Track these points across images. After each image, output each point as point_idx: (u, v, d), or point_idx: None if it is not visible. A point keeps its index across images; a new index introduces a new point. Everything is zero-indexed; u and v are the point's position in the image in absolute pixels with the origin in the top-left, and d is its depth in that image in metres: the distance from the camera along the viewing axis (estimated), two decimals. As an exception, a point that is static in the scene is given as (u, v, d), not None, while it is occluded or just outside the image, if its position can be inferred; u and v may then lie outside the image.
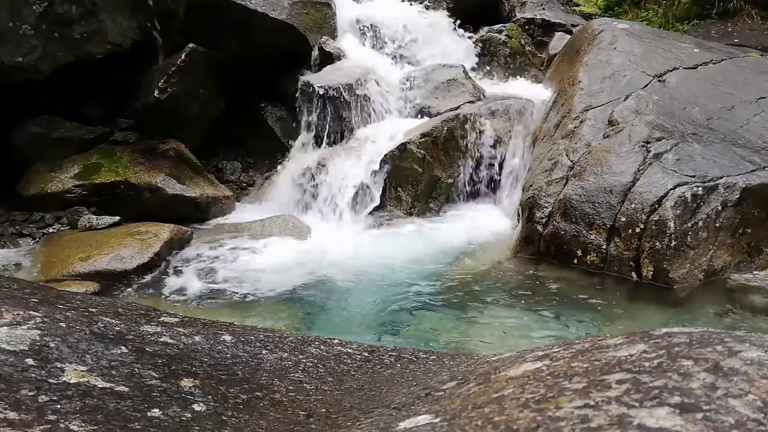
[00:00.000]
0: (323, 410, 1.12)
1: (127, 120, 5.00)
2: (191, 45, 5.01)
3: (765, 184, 3.89)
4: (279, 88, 5.46)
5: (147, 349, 1.24)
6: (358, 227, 4.72)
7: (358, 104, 5.23)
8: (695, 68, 5.00)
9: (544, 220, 4.15)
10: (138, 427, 0.95)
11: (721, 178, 3.87)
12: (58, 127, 4.77)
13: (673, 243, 3.71)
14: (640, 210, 3.80)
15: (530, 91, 5.82)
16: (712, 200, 3.80)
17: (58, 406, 0.95)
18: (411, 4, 6.56)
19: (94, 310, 1.40)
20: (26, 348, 1.09)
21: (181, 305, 3.59)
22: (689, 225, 3.74)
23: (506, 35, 6.57)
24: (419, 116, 5.37)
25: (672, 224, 3.71)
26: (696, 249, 3.74)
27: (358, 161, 4.99)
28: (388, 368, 1.37)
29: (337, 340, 1.55)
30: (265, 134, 5.48)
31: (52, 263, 3.93)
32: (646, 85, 4.71)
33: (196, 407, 1.05)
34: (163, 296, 3.71)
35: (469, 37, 6.44)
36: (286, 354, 1.37)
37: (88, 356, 1.13)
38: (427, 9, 6.52)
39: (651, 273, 3.73)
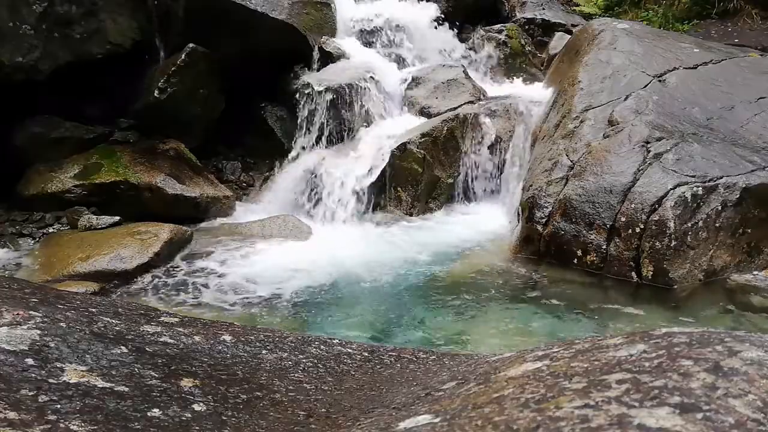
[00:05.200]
0: (323, 410, 1.12)
1: (127, 120, 4.99)
2: (191, 45, 5.01)
3: (765, 184, 3.89)
4: (279, 88, 5.46)
5: (147, 349, 1.24)
6: (358, 227, 4.72)
7: (358, 104, 5.23)
8: (695, 68, 4.99)
9: (544, 220, 4.15)
10: (138, 427, 0.95)
11: (721, 178, 3.87)
12: (58, 127, 4.76)
13: (673, 243, 3.71)
14: (640, 210, 3.80)
15: (530, 91, 5.82)
16: (712, 200, 3.80)
17: (58, 406, 0.95)
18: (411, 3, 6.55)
19: (94, 310, 1.40)
20: (26, 348, 1.09)
21: (181, 305, 3.59)
22: (689, 225, 3.74)
23: (506, 35, 6.58)
24: (419, 116, 5.37)
25: (672, 224, 3.71)
26: (696, 249, 3.74)
27: (358, 161, 4.99)
28: (388, 368, 1.37)
29: (337, 340, 1.55)
30: (265, 134, 5.48)
31: (52, 263, 3.93)
32: (646, 85, 4.71)
33: (196, 407, 1.05)
34: (163, 296, 3.71)
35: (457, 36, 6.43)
36: (286, 354, 1.37)
37: (88, 356, 1.13)
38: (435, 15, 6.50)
39: (651, 273, 3.73)
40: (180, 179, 4.80)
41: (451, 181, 5.07)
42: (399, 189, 4.91)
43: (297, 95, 5.21)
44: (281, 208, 4.93)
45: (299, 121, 5.23)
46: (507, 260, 4.20)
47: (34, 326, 1.17)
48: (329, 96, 5.13)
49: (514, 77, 6.34)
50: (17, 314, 1.20)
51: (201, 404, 1.06)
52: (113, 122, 4.98)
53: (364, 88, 5.25)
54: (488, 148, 5.12)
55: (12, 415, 0.89)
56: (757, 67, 5.13)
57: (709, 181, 3.86)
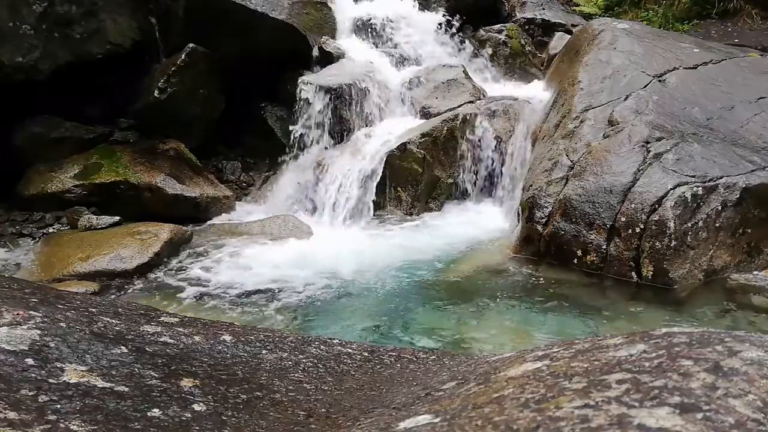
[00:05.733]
0: (323, 410, 1.12)
1: (127, 120, 5.00)
2: (191, 45, 5.01)
3: (765, 184, 3.88)
4: (279, 88, 5.46)
5: (147, 349, 1.24)
6: (358, 227, 4.72)
7: (358, 104, 5.23)
8: (695, 68, 4.99)
9: (544, 220, 4.14)
10: (138, 427, 0.95)
11: (721, 178, 3.87)
12: (58, 127, 4.77)
13: (673, 243, 3.71)
14: (640, 210, 3.80)
15: (530, 91, 5.82)
16: (712, 200, 3.79)
17: (58, 406, 0.95)
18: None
19: (94, 310, 1.40)
20: (26, 348, 1.09)
21: (181, 305, 3.59)
22: (689, 225, 3.74)
23: (506, 35, 6.58)
24: (419, 116, 5.37)
25: (672, 224, 3.71)
26: (696, 249, 3.74)
27: (358, 161, 4.99)
28: (388, 368, 1.37)
29: (337, 340, 1.55)
30: (265, 134, 5.48)
31: (52, 263, 3.93)
32: (646, 85, 4.71)
33: (196, 407, 1.05)
34: (163, 296, 3.71)
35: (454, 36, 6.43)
36: (286, 354, 1.37)
37: (88, 356, 1.13)
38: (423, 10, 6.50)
39: (651, 273, 3.73)
40: (180, 179, 4.80)
41: (451, 180, 5.07)
42: (399, 189, 4.91)
43: (297, 95, 5.21)
44: (281, 208, 4.93)
45: (299, 121, 5.23)
46: (507, 260, 4.20)
47: (34, 326, 1.17)
48: (329, 96, 5.13)
49: (514, 77, 6.34)
50: (17, 314, 1.20)
51: (201, 404, 1.06)
52: (113, 122, 4.98)
53: (364, 88, 5.25)
54: (488, 147, 5.12)
55: (12, 415, 0.89)
56: (757, 67, 5.13)
57: (709, 181, 3.86)
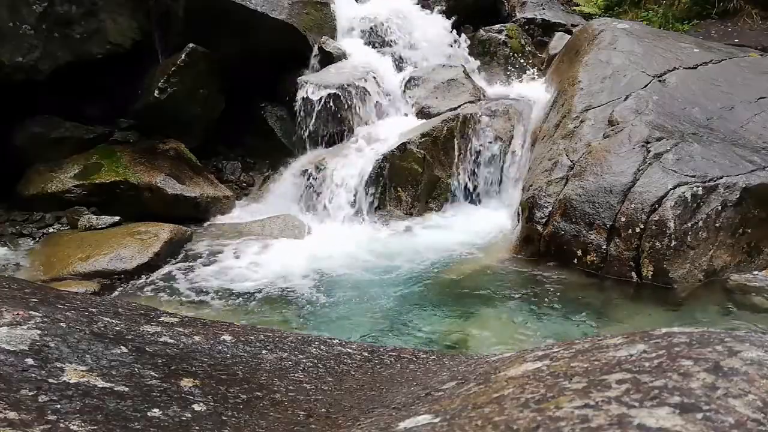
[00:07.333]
0: (323, 410, 1.12)
1: (127, 120, 5.00)
2: (191, 45, 5.01)
3: (765, 184, 3.88)
4: (279, 88, 5.46)
5: (147, 349, 1.24)
6: (357, 227, 4.72)
7: (358, 104, 5.22)
8: (695, 68, 4.99)
9: (544, 220, 4.14)
10: (138, 427, 0.95)
11: (721, 178, 3.87)
12: (58, 127, 4.77)
13: (673, 243, 3.71)
14: (640, 210, 3.80)
15: (530, 91, 5.81)
16: (712, 200, 3.79)
17: (58, 406, 0.95)
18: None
19: (94, 310, 1.40)
20: (26, 348, 1.09)
21: (181, 305, 3.59)
22: (689, 225, 3.74)
23: (506, 35, 6.57)
24: (419, 116, 5.37)
25: (672, 224, 3.71)
26: (696, 249, 3.74)
27: (358, 161, 4.98)
28: (388, 368, 1.37)
29: (337, 340, 1.55)
30: (265, 134, 5.48)
31: (52, 263, 3.93)
32: (646, 85, 4.71)
33: (196, 407, 1.05)
34: (163, 296, 3.71)
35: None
36: (286, 354, 1.37)
37: (88, 356, 1.13)
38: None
39: (651, 273, 3.73)
40: (180, 179, 4.80)
41: (451, 181, 5.07)
42: (399, 189, 4.91)
43: (297, 95, 5.21)
44: (281, 208, 4.93)
45: (299, 121, 5.23)
46: (507, 260, 4.20)
47: (34, 326, 1.17)
48: (329, 96, 5.13)
49: (514, 77, 6.34)
50: (17, 314, 1.20)
51: (201, 404, 1.06)
52: (113, 122, 4.98)
53: (364, 88, 5.25)
54: (488, 148, 5.12)
55: (12, 415, 0.89)
56: (757, 67, 5.13)
57: (709, 181, 3.86)
